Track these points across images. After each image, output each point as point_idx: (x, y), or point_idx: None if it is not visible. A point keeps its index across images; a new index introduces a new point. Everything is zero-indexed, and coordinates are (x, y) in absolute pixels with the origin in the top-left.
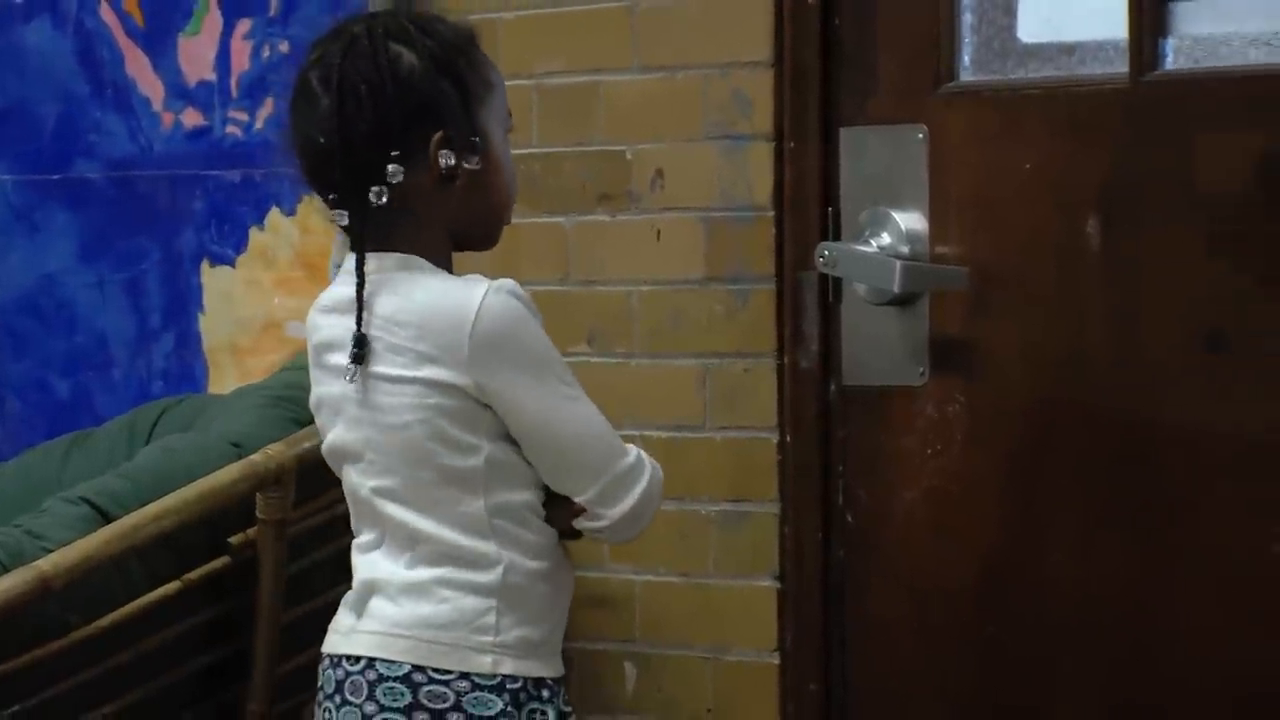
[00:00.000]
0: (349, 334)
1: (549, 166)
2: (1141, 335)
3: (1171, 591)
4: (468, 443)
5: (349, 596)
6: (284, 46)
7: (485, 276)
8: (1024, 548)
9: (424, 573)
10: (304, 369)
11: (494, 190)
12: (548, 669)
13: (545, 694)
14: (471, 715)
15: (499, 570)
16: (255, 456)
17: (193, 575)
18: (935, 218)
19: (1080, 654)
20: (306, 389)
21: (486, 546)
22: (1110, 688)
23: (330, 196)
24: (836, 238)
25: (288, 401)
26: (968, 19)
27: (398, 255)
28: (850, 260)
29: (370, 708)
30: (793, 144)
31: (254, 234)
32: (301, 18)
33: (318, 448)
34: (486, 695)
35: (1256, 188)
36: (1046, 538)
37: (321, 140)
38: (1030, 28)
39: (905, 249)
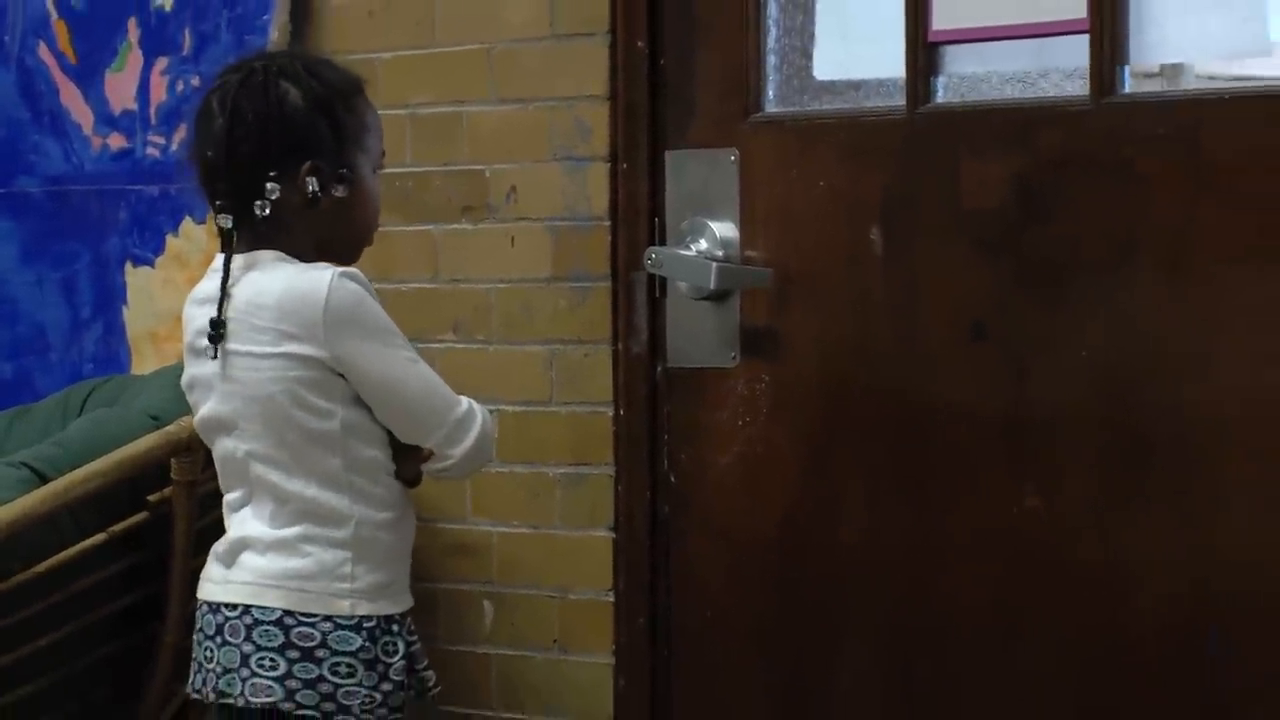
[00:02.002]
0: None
1: (420, 183)
2: (916, 327)
3: (941, 540)
4: (324, 408)
5: (218, 549)
6: (195, 81)
7: (330, 265)
8: (818, 504)
9: (289, 530)
10: None
11: (356, 218)
12: (396, 606)
13: (395, 628)
14: (336, 650)
15: (351, 525)
16: (170, 427)
17: (116, 528)
18: (745, 227)
19: (865, 594)
20: None
21: (341, 503)
22: (890, 622)
23: (217, 203)
24: (662, 243)
25: None
26: (771, 60)
27: (259, 252)
28: (673, 262)
29: (248, 647)
30: (625, 165)
31: (170, 240)
32: (210, 57)
33: None
34: (347, 633)
35: (1010, 203)
36: (837, 495)
37: (211, 154)
38: (824, 68)
39: (720, 253)
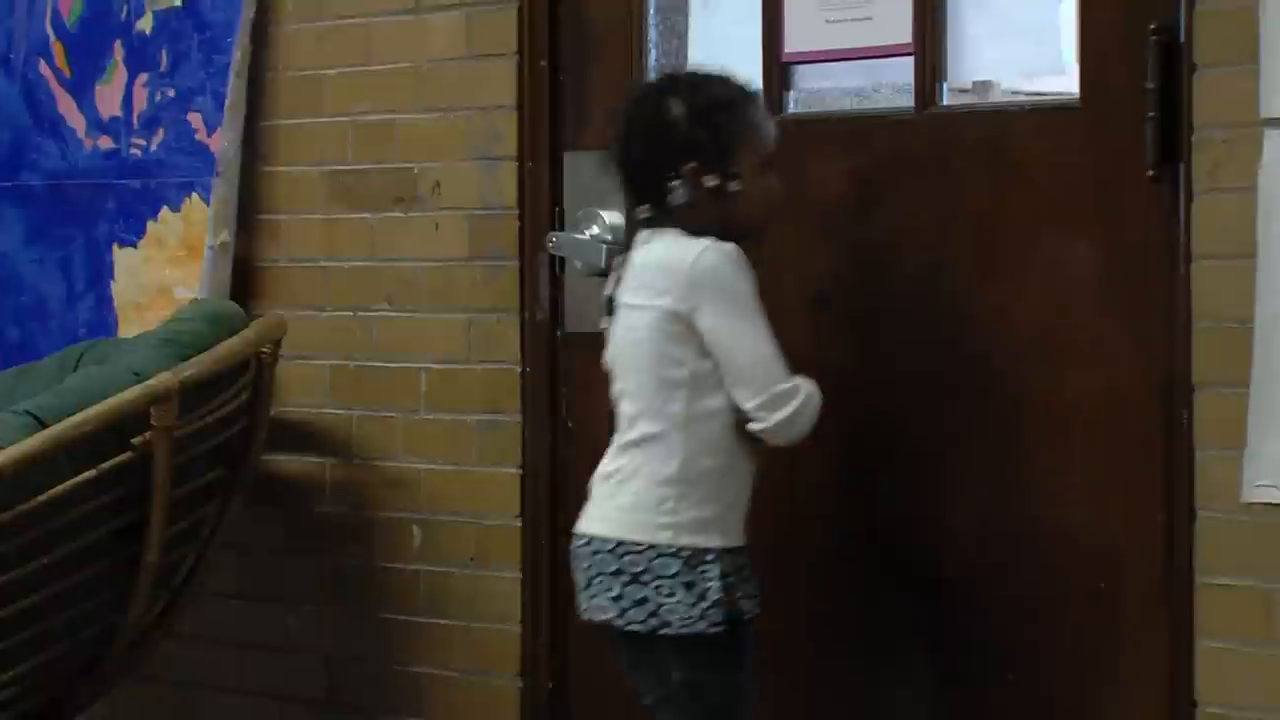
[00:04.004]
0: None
1: (359, 178)
2: (771, 295)
3: (797, 463)
4: (678, 357)
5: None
6: (171, 93)
7: (713, 240)
8: None
9: (629, 464)
10: (187, 320)
11: (742, 209)
12: (715, 540)
13: (709, 558)
14: (658, 575)
15: (678, 464)
16: (151, 381)
17: (105, 465)
18: (630, 215)
19: None
20: (188, 334)
21: (675, 443)
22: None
23: (632, 199)
24: (561, 229)
25: (173, 343)
26: (651, 76)
27: (664, 230)
28: (570, 245)
29: (591, 572)
30: (531, 163)
31: (150, 225)
32: (184, 72)
33: (196, 374)
34: (667, 560)
35: (847, 194)
36: None
37: (616, 161)
38: None
39: (609, 237)
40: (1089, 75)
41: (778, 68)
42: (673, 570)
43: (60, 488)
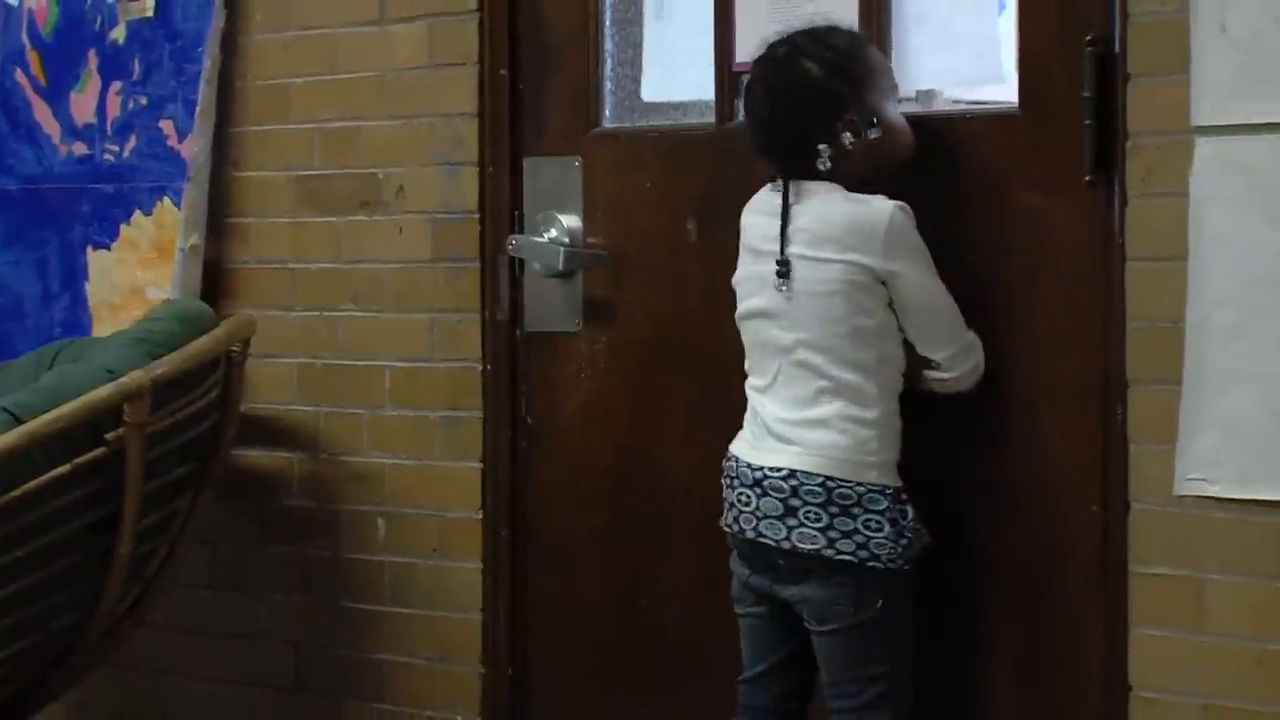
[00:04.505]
0: (773, 230)
1: (326, 183)
2: (719, 296)
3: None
4: (870, 307)
5: (753, 420)
6: (143, 100)
7: (885, 197)
8: (645, 437)
9: (828, 408)
10: (159, 319)
11: (889, 149)
12: (898, 481)
13: (904, 498)
14: (868, 509)
15: (879, 409)
16: (124, 378)
17: (80, 460)
18: (587, 219)
19: (682, 507)
20: (160, 333)
21: (870, 389)
22: (702, 527)
23: (776, 164)
24: (521, 232)
25: (145, 342)
26: (608, 85)
27: (809, 183)
28: (530, 247)
29: (795, 502)
30: (491, 169)
31: (123, 228)
32: (155, 80)
33: (168, 372)
34: (875, 495)
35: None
36: (659, 430)
37: (763, 130)
38: (650, 91)
39: (567, 240)
40: (1027, 85)
41: (729, 76)
42: (881, 506)
43: (35, 482)
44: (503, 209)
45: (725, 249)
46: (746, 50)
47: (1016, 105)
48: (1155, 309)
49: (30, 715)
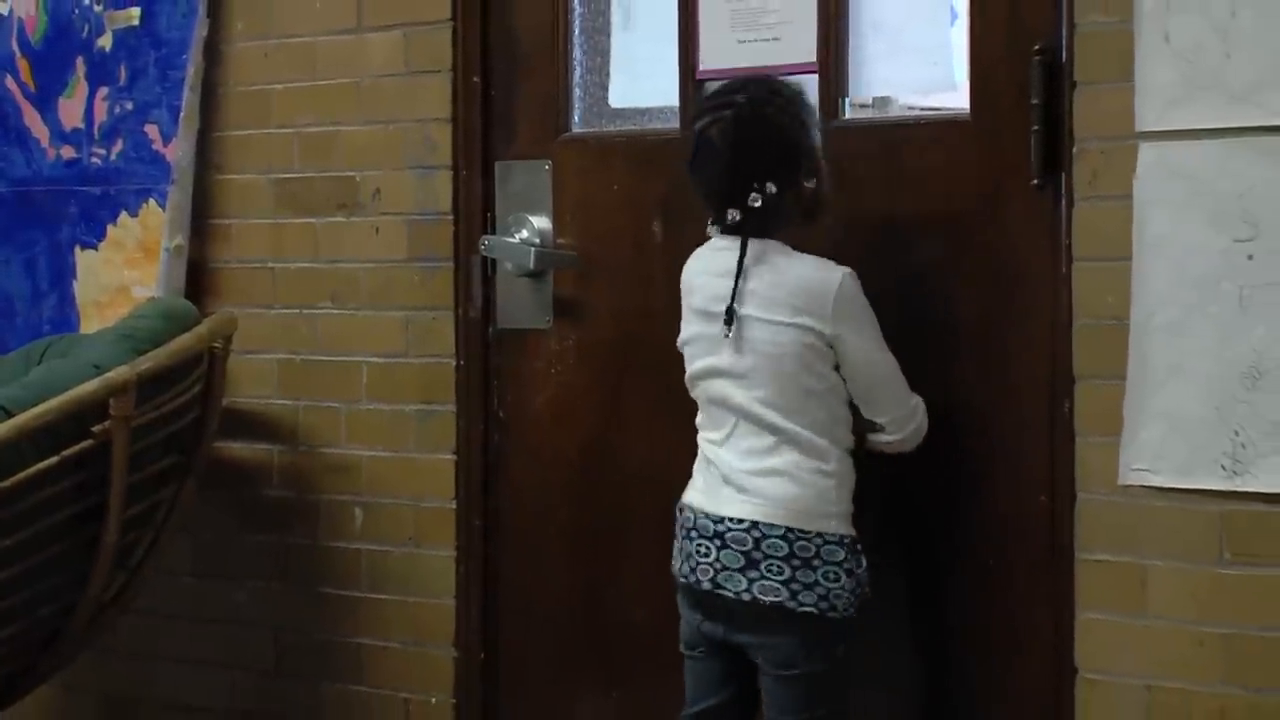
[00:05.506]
0: (724, 291)
1: (305, 185)
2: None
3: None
4: (821, 371)
5: (707, 471)
6: (129, 106)
7: (834, 262)
8: (611, 430)
9: (783, 460)
10: (144, 317)
11: (823, 193)
12: (853, 530)
13: (858, 546)
14: (826, 559)
15: (835, 461)
16: (109, 374)
17: (68, 452)
18: (557, 220)
19: (645, 496)
20: (145, 330)
21: (824, 443)
22: (663, 515)
23: (726, 209)
24: (493, 232)
25: (131, 338)
26: (577, 92)
27: (767, 241)
28: (502, 248)
29: (756, 555)
30: (464, 172)
31: (110, 229)
32: (141, 87)
33: (153, 367)
34: (834, 548)
35: None
36: (625, 424)
37: (719, 176)
38: (617, 98)
39: (537, 240)
40: (978, 92)
41: (692, 83)
42: (840, 557)
43: (24, 473)
44: (475, 211)
45: (690, 250)
46: (711, 58)
47: (968, 111)
48: (1101, 307)
49: (19, 697)
